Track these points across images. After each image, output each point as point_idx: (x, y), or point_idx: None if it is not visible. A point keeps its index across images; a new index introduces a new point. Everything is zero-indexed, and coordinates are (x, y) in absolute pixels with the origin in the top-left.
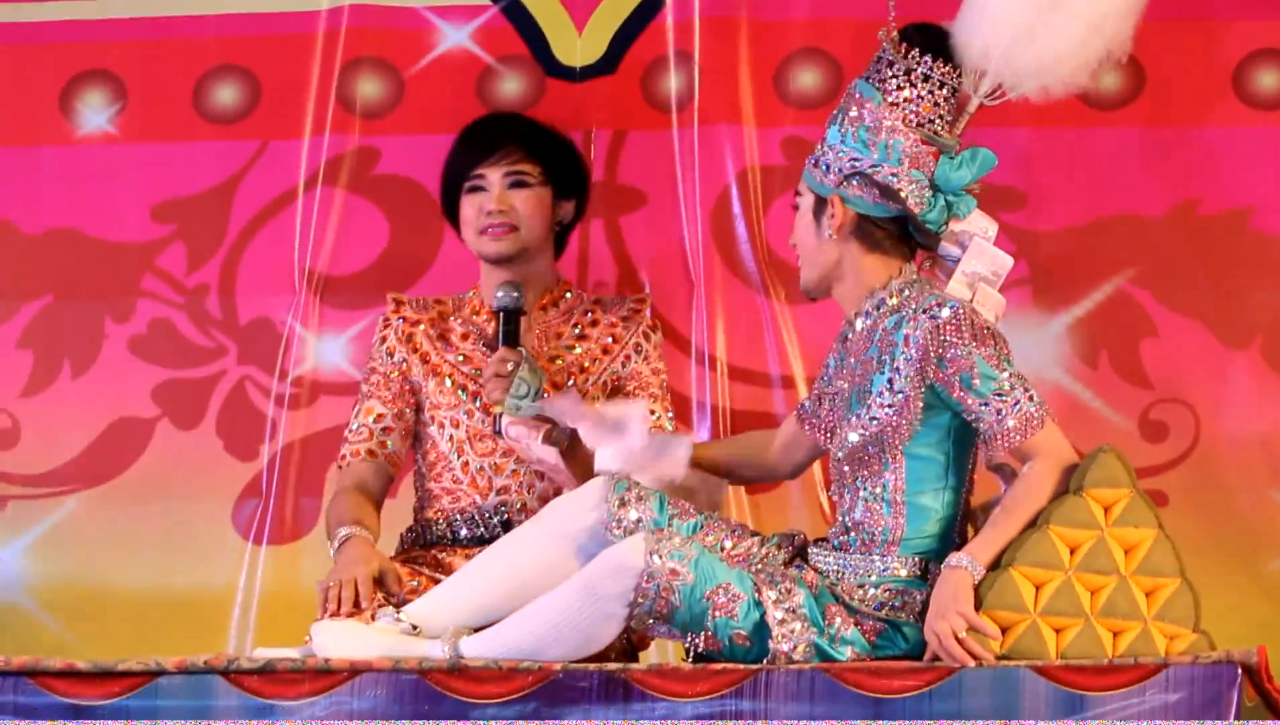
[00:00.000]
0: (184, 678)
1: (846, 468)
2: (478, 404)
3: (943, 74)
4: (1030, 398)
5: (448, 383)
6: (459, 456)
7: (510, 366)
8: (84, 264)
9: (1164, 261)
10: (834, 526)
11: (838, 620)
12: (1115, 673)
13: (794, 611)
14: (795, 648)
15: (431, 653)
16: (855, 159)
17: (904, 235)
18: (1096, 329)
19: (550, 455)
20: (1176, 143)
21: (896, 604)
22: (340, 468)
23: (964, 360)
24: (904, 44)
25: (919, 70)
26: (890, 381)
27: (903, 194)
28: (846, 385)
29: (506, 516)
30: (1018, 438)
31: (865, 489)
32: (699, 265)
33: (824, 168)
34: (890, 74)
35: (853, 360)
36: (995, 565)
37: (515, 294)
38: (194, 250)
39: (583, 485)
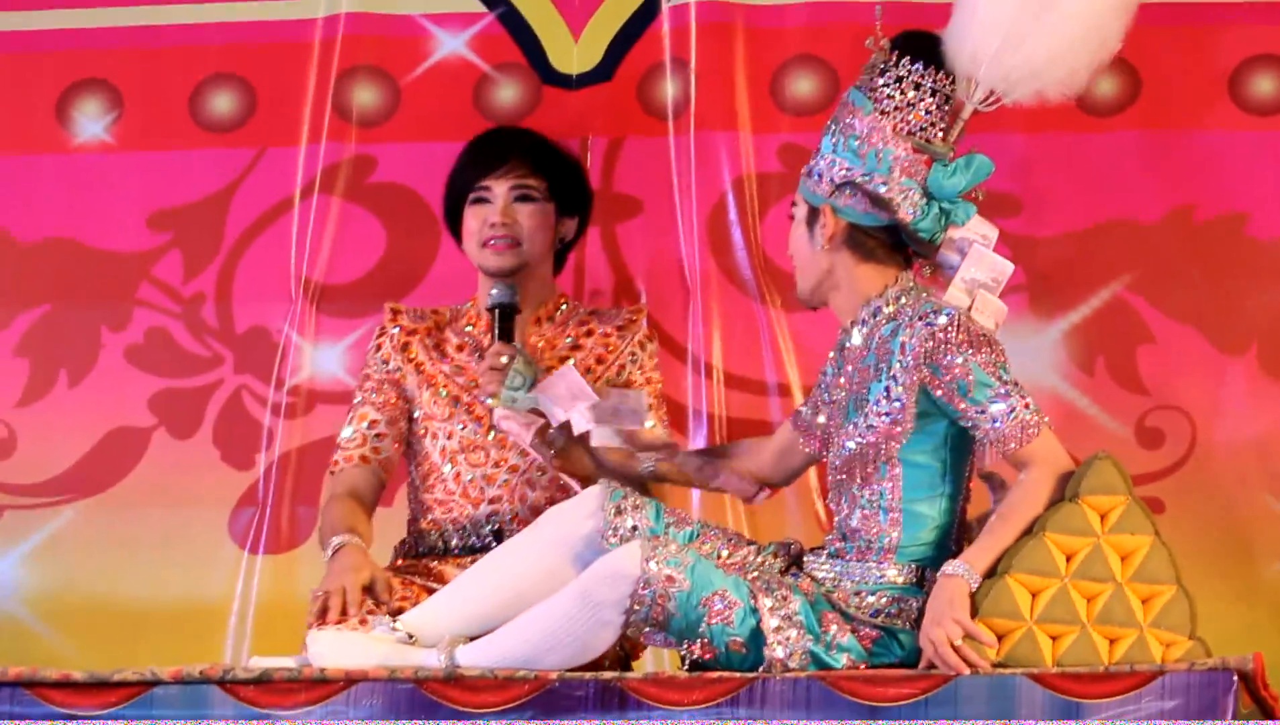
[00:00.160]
0: (180, 688)
1: (843, 475)
2: (471, 415)
3: (934, 81)
4: (1027, 405)
5: (442, 393)
6: (451, 467)
7: (505, 360)
8: (80, 273)
9: (1160, 267)
10: (830, 534)
11: (834, 627)
12: (1111, 680)
13: (790, 619)
14: (791, 655)
15: (427, 662)
16: (847, 169)
17: (898, 244)
18: (1093, 335)
19: (543, 454)
20: (1173, 148)
21: (893, 611)
22: (333, 473)
23: (960, 367)
24: (895, 52)
25: (909, 78)
26: (887, 389)
27: (893, 203)
28: (844, 394)
29: (498, 526)
30: (1014, 445)
31: (862, 496)
32: (695, 272)
33: (816, 177)
34: (881, 82)
35: (850, 368)
36: (991, 572)
37: (510, 290)
38: (190, 259)
39: (578, 494)
